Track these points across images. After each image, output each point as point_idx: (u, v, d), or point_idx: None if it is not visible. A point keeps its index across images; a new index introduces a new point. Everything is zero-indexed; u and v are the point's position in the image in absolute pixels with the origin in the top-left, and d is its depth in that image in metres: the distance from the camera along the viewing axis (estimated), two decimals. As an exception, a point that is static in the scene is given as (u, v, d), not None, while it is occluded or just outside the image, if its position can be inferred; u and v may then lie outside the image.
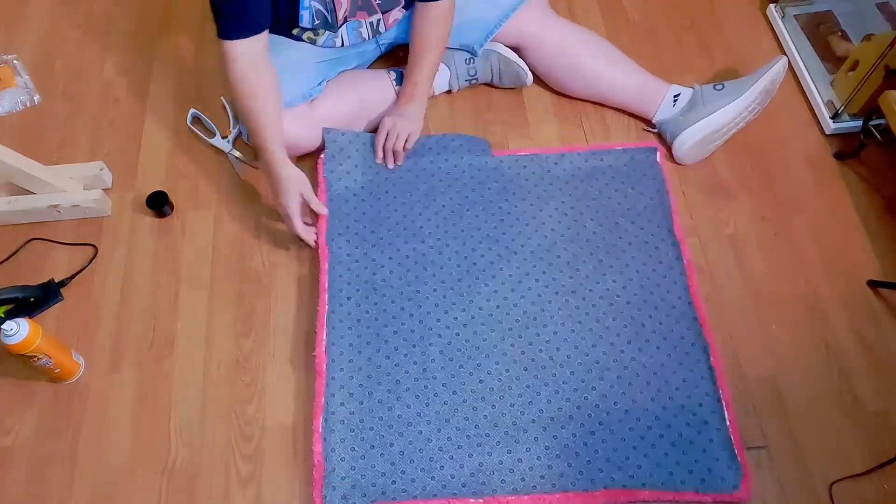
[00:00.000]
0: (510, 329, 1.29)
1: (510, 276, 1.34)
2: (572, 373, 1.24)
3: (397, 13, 1.44)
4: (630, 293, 1.32)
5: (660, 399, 1.22)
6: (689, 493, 1.15)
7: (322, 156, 1.45)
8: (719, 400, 1.22)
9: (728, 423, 1.20)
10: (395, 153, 1.45)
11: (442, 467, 1.17)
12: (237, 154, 1.50)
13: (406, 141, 1.45)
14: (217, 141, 1.50)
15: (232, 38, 1.24)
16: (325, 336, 1.27)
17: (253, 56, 1.26)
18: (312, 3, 1.33)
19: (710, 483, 1.15)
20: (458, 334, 1.28)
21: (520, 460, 1.17)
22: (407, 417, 1.21)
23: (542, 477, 1.16)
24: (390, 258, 1.36)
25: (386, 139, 1.44)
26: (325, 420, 1.20)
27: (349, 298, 1.31)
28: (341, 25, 1.39)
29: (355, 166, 1.45)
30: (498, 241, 1.38)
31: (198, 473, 1.20)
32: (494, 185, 1.45)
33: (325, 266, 1.34)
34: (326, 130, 1.45)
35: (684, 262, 1.36)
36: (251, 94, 1.28)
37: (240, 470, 1.20)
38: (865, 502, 1.15)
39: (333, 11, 1.35)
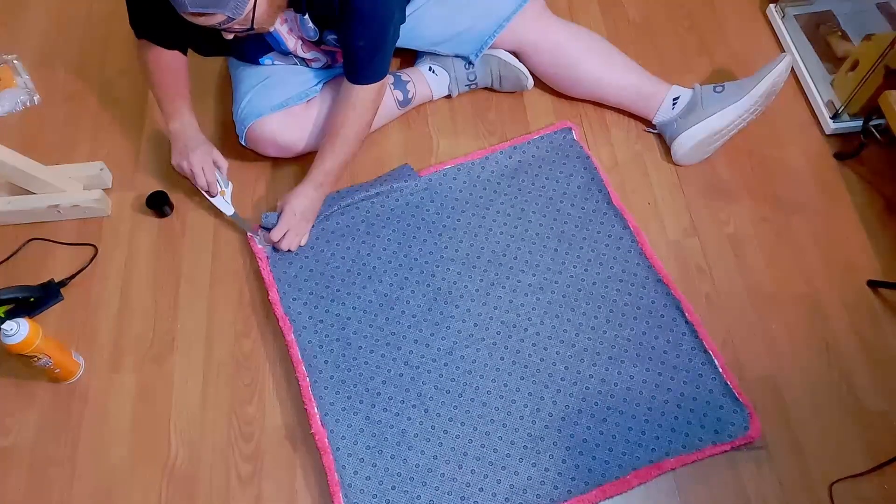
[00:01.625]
0: (494, 343, 1.27)
1: (476, 290, 1.33)
2: (566, 367, 1.25)
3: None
4: (593, 274, 1.34)
5: (653, 367, 1.24)
6: (709, 448, 1.17)
7: (248, 232, 1.39)
8: (706, 350, 1.25)
9: (720, 369, 1.23)
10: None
11: (477, 503, 1.15)
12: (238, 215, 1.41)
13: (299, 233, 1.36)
14: (218, 201, 1.39)
15: (139, 37, 1.35)
16: (315, 409, 1.21)
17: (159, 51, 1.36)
18: (276, 62, 1.41)
19: (723, 431, 1.18)
20: (446, 364, 1.25)
21: (547, 469, 1.16)
22: (425, 464, 1.17)
23: (573, 479, 1.15)
24: (354, 308, 1.31)
25: (282, 237, 1.34)
26: (346, 496, 1.14)
27: (326, 363, 1.26)
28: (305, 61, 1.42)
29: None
30: (453, 260, 1.36)
31: (198, 473, 1.20)
32: (431, 205, 1.43)
33: (290, 337, 1.28)
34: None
35: (631, 228, 1.38)
36: (154, 71, 1.38)
37: (240, 470, 1.20)
38: (865, 502, 1.15)
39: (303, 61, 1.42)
